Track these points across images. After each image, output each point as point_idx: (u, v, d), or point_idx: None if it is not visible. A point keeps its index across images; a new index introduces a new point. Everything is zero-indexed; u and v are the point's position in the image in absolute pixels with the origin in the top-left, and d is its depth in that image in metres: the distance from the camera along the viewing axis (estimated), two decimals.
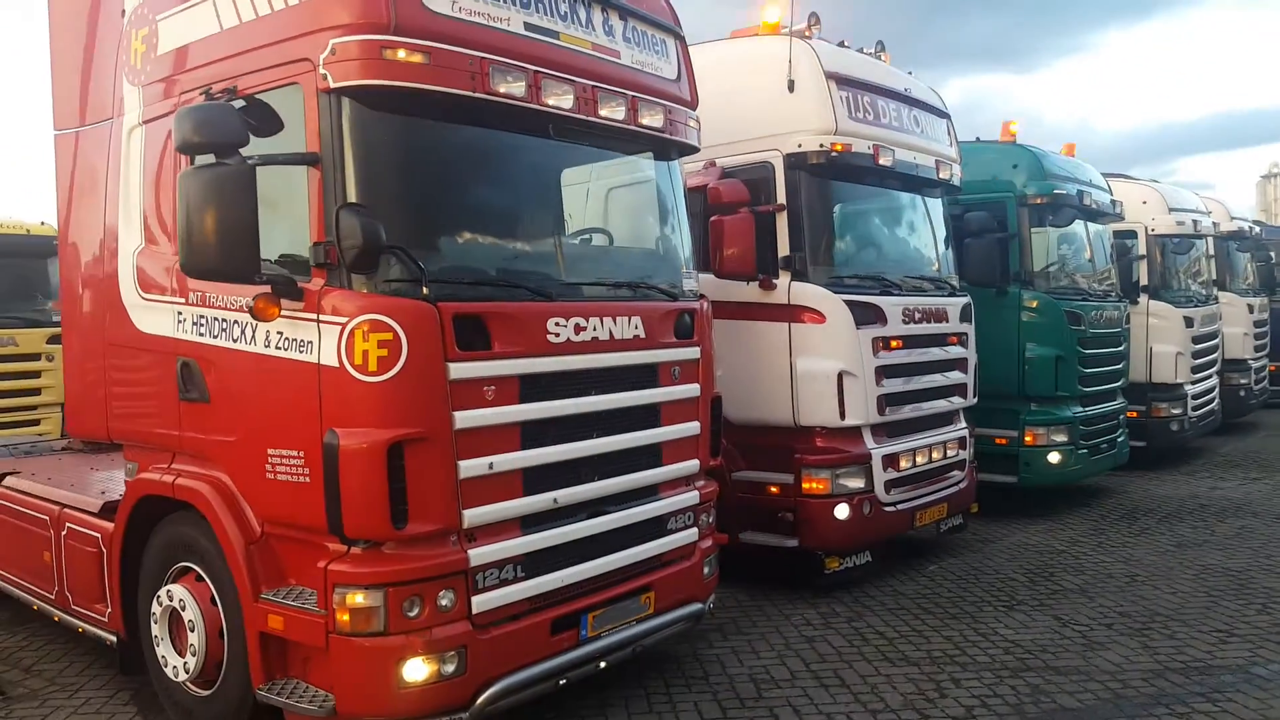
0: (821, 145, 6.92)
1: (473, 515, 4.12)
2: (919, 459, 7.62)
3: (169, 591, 4.59)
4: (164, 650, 4.65)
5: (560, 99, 4.50)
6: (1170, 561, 7.94)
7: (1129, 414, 12.09)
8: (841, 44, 7.76)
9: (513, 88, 4.26)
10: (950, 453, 8.04)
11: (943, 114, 8.41)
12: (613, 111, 4.82)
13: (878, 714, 4.95)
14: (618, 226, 5.58)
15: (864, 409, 7.04)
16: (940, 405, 7.96)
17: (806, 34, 7.32)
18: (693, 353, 5.38)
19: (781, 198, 7.02)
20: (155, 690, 4.88)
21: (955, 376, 8.15)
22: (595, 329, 4.66)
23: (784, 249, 7.01)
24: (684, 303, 5.36)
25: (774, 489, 7.08)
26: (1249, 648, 5.83)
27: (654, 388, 5.10)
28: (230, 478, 4.33)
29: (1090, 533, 9.08)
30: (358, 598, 3.85)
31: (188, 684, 4.57)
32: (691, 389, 5.37)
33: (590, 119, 4.70)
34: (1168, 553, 8.24)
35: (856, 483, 7.05)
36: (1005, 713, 4.94)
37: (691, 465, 5.40)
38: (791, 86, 6.99)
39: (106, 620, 5.11)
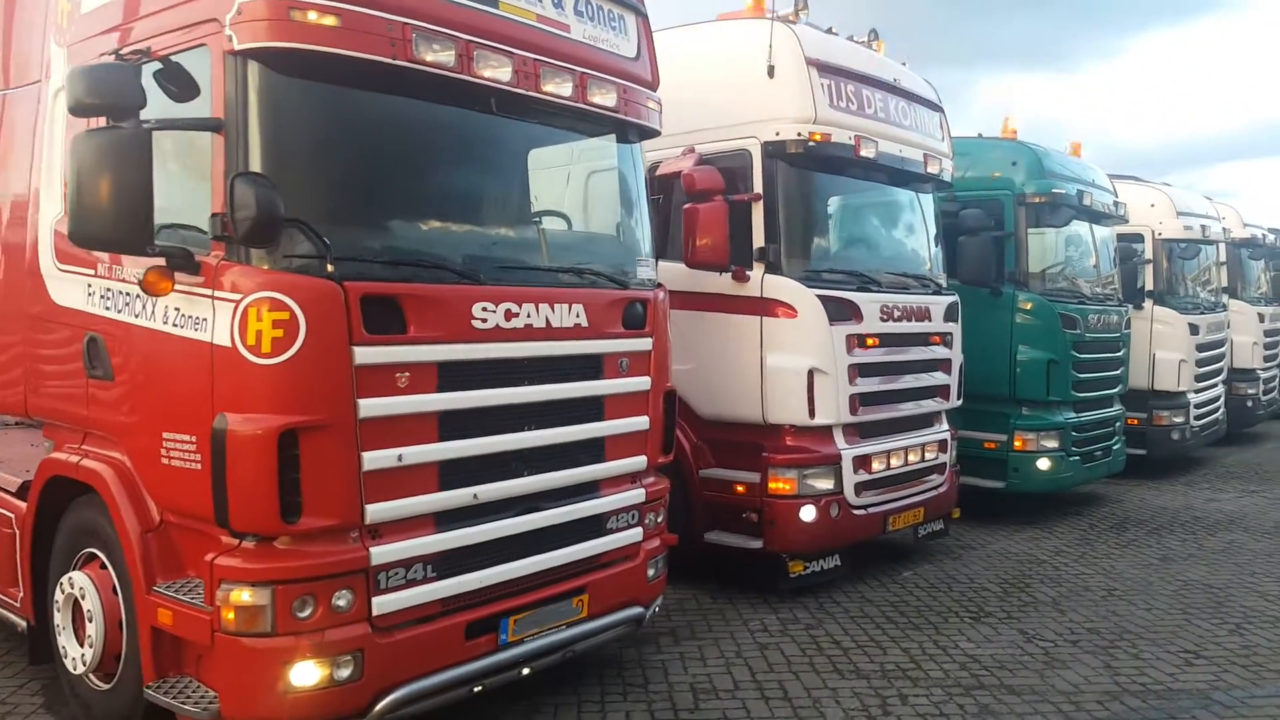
0: (799, 134, 6.62)
1: (377, 510, 3.88)
2: (894, 461, 7.33)
3: (70, 579, 4.38)
4: (65, 640, 4.44)
5: (497, 71, 4.23)
6: (1152, 576, 7.63)
7: (1129, 421, 11.79)
8: (830, 30, 7.45)
9: (440, 56, 3.99)
10: (929, 455, 7.74)
11: (935, 106, 8.07)
12: (558, 88, 4.53)
13: None
14: (568, 209, 5.30)
15: (835, 408, 6.75)
16: (921, 406, 7.67)
17: (792, 18, 7.00)
18: (643, 344, 5.12)
19: (758, 187, 6.73)
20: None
21: (938, 377, 7.85)
22: (530, 316, 4.39)
23: (759, 240, 6.73)
24: (636, 291, 5.09)
25: (740, 488, 6.81)
26: (1214, 671, 5.52)
27: (597, 379, 4.84)
28: (130, 461, 4.11)
29: (1076, 542, 8.77)
30: (244, 595, 3.61)
31: (88, 676, 4.36)
32: (641, 382, 5.10)
33: (532, 94, 4.43)
34: (1151, 566, 7.92)
35: (825, 484, 6.77)
36: None
37: (638, 462, 5.14)
38: (771, 72, 6.69)
39: (19, 605, 4.90)
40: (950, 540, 8.56)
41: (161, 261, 3.67)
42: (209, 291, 3.69)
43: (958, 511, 8.45)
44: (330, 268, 3.69)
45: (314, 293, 3.65)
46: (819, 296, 6.65)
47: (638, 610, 5.14)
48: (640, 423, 5.11)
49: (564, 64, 4.56)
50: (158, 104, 3.78)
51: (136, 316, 4.02)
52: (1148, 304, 12.11)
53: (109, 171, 3.49)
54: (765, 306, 6.70)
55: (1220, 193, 14.54)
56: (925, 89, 8.02)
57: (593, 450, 4.87)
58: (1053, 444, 9.53)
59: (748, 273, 6.71)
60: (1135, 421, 12.01)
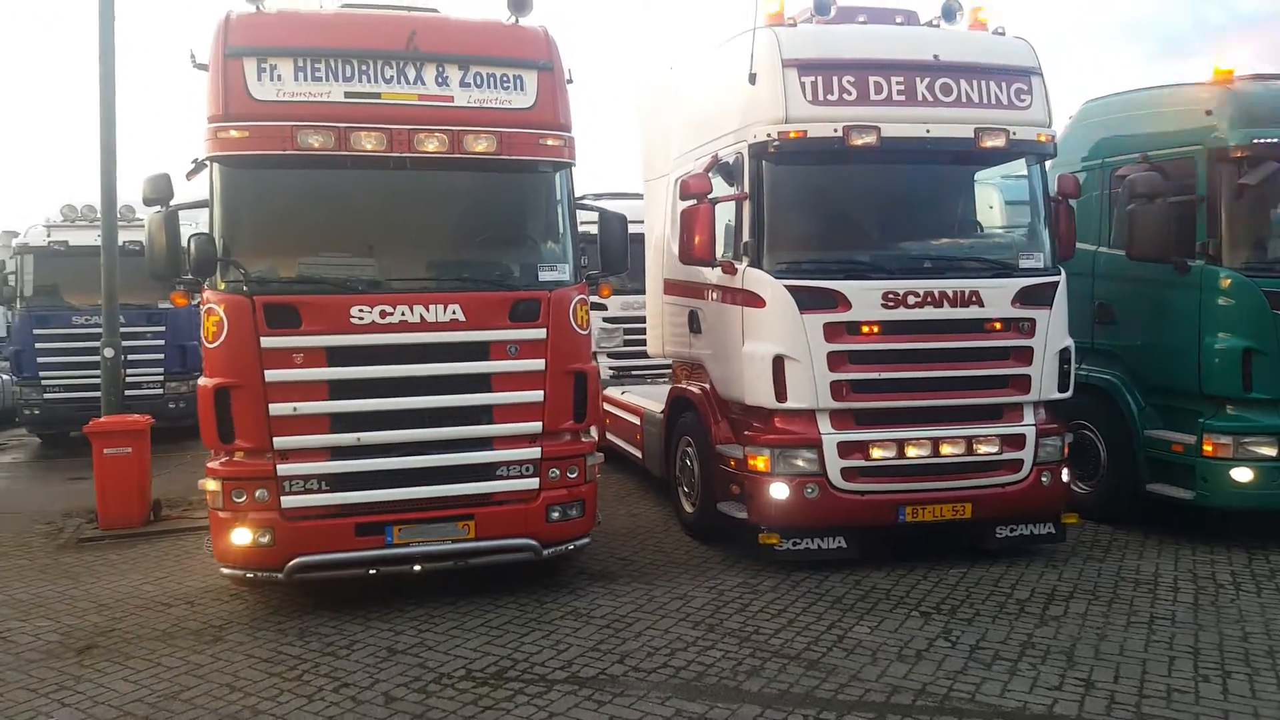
0: (769, 135, 7.05)
1: (282, 442, 6.09)
2: (912, 451, 7.21)
3: None
4: None
5: (372, 142, 6.07)
6: (1186, 623, 6.13)
7: None
8: (862, 20, 7.52)
9: (317, 141, 5.98)
10: (985, 450, 7.33)
11: (1015, 72, 7.41)
12: (433, 145, 6.17)
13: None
14: (481, 231, 6.83)
15: (810, 393, 7.04)
16: (973, 397, 7.28)
17: (792, 21, 7.35)
18: (535, 333, 6.48)
19: (746, 187, 7.32)
20: None
21: (1006, 367, 7.33)
22: (404, 314, 6.17)
23: (745, 235, 7.32)
24: (526, 292, 6.48)
25: (733, 462, 7.50)
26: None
27: (480, 361, 6.39)
28: None
29: (1231, 571, 7.23)
30: (210, 485, 6.10)
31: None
32: (531, 364, 6.49)
33: (412, 155, 6.16)
34: (1224, 622, 6.18)
35: (806, 465, 7.10)
36: None
37: (530, 426, 6.52)
38: (753, 79, 7.21)
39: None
40: (1070, 545, 7.81)
41: None
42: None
43: (1074, 517, 7.71)
44: (245, 286, 5.99)
45: (233, 302, 5.99)
46: (789, 287, 6.99)
47: (529, 542, 6.50)
48: (531, 396, 6.50)
49: (440, 127, 6.18)
50: None
51: None
52: None
53: None
54: (746, 297, 7.29)
55: None
56: (1000, 54, 7.42)
57: (481, 414, 6.44)
58: (1266, 450, 7.79)
59: (736, 265, 7.36)
60: None
